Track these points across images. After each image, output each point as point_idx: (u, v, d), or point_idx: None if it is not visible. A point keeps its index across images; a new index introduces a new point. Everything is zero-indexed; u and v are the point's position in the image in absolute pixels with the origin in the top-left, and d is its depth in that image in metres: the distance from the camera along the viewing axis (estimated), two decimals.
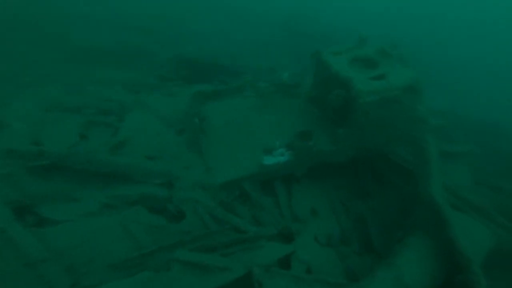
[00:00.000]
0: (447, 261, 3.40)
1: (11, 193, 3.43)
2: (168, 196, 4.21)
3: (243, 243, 3.85)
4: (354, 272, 4.22)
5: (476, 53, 15.06)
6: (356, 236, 5.09)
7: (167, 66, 7.52)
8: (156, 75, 7.00)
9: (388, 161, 5.51)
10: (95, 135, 4.59)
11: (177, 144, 5.02)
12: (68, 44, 7.66)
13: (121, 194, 3.87)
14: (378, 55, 5.13)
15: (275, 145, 5.01)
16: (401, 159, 5.25)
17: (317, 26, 13.35)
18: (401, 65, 4.84)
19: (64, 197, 3.61)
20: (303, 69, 7.13)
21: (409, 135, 4.63)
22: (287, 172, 5.20)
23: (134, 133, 4.88)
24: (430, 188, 3.98)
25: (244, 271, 3.19)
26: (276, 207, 5.12)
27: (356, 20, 16.09)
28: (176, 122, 5.44)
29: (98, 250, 3.24)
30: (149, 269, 3.11)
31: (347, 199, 5.64)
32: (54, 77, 6.03)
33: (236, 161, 4.90)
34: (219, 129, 5.41)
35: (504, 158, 6.44)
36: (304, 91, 6.41)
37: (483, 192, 4.34)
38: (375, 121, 4.79)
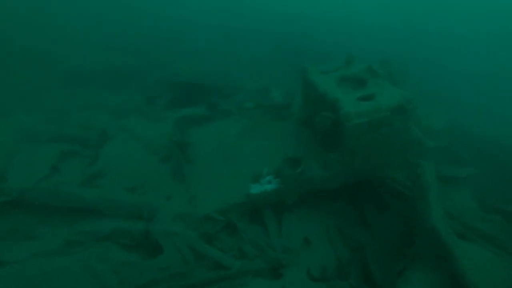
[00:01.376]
0: None
1: None
2: (144, 230, 3.91)
3: (225, 281, 3.56)
4: None
5: (482, 66, 14.85)
6: (354, 267, 4.69)
7: (156, 88, 7.40)
8: (143, 98, 6.87)
9: (386, 186, 5.18)
10: (69, 166, 4.37)
11: (160, 172, 4.79)
12: (54, 67, 7.60)
13: (89, 230, 3.59)
14: (366, 74, 4.93)
15: (263, 173, 4.73)
16: (399, 184, 4.91)
17: (312, 42, 13.30)
18: (390, 83, 4.60)
19: (21, 235, 3.32)
20: (295, 88, 6.95)
21: (404, 159, 4.32)
22: (277, 201, 4.89)
23: (114, 162, 4.66)
24: (430, 218, 3.64)
25: None
26: (265, 237, 4.81)
27: (353, 34, 16.15)
28: (161, 149, 5.23)
29: None
30: None
31: (345, 226, 5.27)
32: (35, 102, 5.89)
33: (222, 190, 4.64)
34: (205, 156, 5.18)
35: (509, 179, 6.05)
36: (295, 113, 6.21)
37: (492, 218, 3.96)
38: (367, 145, 4.51)
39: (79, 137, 5.05)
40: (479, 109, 10.28)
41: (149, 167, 4.74)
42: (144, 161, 4.84)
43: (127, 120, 5.87)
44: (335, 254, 4.77)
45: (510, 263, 3.21)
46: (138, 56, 9.23)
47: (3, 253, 3.09)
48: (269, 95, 7.40)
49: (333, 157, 4.73)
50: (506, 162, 6.93)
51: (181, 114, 5.84)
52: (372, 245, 4.81)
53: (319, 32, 15.62)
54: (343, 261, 4.70)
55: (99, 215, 3.74)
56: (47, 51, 8.14)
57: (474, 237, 3.57)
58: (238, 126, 5.75)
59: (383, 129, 4.41)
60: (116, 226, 3.75)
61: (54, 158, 4.35)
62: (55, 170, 4.22)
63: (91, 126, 5.37)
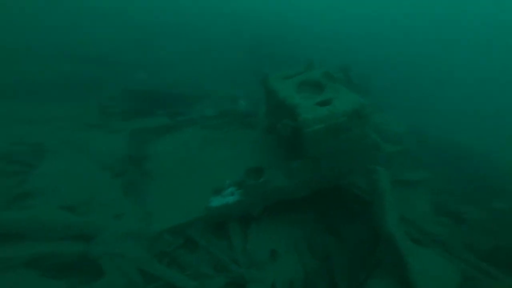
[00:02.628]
0: None
1: None
2: (81, 253, 3.50)
3: None
4: None
5: (445, 71, 15.72)
6: (321, 278, 4.58)
7: (113, 97, 6.94)
8: (97, 108, 6.40)
9: (351, 193, 5.19)
10: None
11: (111, 189, 4.39)
12: (4, 78, 6.92)
13: (5, 256, 3.12)
14: (324, 79, 4.96)
15: (225, 185, 4.53)
16: (362, 190, 4.93)
17: (288, 47, 13.36)
18: (351, 90, 4.65)
19: None
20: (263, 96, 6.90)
21: (363, 165, 4.33)
22: (241, 213, 4.69)
23: (52, 179, 4.20)
24: (386, 224, 3.63)
25: None
26: (230, 252, 4.57)
27: (325, 38, 16.56)
28: (114, 164, 4.84)
29: None
30: None
31: (313, 236, 5.18)
32: None
33: (181, 205, 4.36)
34: (164, 168, 4.88)
35: (465, 180, 6.35)
36: (261, 121, 6.12)
37: (445, 222, 4.05)
38: (328, 152, 4.48)
39: (10, 153, 4.51)
40: (438, 113, 10.90)
41: (97, 183, 4.34)
42: (92, 177, 4.42)
43: (77, 133, 5.40)
44: (303, 265, 4.65)
45: (457, 267, 3.26)
46: (97, 65, 8.72)
47: None
48: (237, 103, 7.27)
49: (296, 166, 4.65)
50: (462, 164, 7.33)
51: (139, 125, 5.49)
52: (340, 254, 4.75)
53: (295, 38, 15.82)
54: (310, 272, 4.58)
55: (20, 239, 3.28)
56: None
57: (427, 242, 3.60)
58: (201, 136, 5.53)
59: (341, 135, 4.41)
60: (40, 250, 3.29)
61: None
62: None
63: (27, 141, 4.83)
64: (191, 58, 11.00)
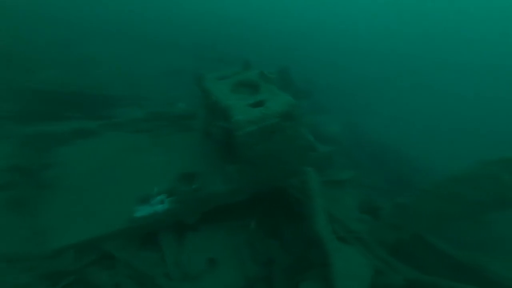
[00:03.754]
0: None
1: None
2: None
3: None
4: None
5: (382, 73, 16.93)
6: (262, 284, 4.51)
7: (8, 98, 5.87)
8: None
9: (291, 195, 5.23)
10: None
11: None
12: None
13: None
14: (259, 79, 4.94)
15: (153, 192, 4.18)
16: (300, 192, 5.00)
17: (238, 50, 13.24)
18: (280, 90, 4.68)
19: None
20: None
21: (297, 167, 4.39)
22: (174, 222, 4.39)
23: None
24: (315, 225, 3.70)
25: None
26: (161, 265, 4.23)
27: (273, 39, 16.76)
28: None
29: None
30: None
31: (257, 240, 5.09)
32: None
33: (94, 217, 3.87)
34: (74, 178, 4.30)
35: (390, 178, 6.92)
36: (200, 124, 5.87)
37: (366, 219, 4.30)
38: (263, 154, 4.44)
39: None
40: (378, 116, 11.77)
41: None
42: None
43: None
44: (243, 273, 4.52)
45: (370, 263, 3.44)
46: (10, 61, 7.47)
47: None
48: (175, 105, 6.91)
49: (232, 170, 4.52)
50: (389, 163, 8.00)
51: (40, 129, 4.74)
52: (282, 258, 4.76)
53: (241, 39, 15.73)
54: (251, 279, 4.48)
55: None
56: None
57: (351, 239, 3.76)
58: (128, 141, 5.06)
59: (275, 137, 4.42)
60: None
61: None
62: None
63: None
64: (129, 58, 10.24)
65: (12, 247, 3.21)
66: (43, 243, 3.33)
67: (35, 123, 4.79)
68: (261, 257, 4.84)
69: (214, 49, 12.66)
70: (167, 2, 17.95)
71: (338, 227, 4.25)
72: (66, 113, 5.42)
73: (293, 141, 4.60)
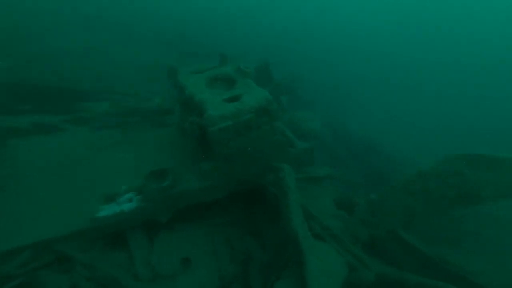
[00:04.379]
0: None
1: None
2: None
3: None
4: None
5: (367, 69, 17.05)
6: (238, 284, 4.41)
7: None
8: None
9: (270, 192, 5.14)
10: None
11: None
12: None
13: None
14: (235, 74, 4.80)
15: (120, 190, 3.96)
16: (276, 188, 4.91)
17: (209, 44, 12.90)
18: (257, 85, 4.56)
19: None
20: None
21: (273, 163, 4.29)
22: (144, 221, 4.19)
23: None
24: (291, 222, 3.62)
25: None
26: (129, 265, 4.03)
27: (257, 35, 16.49)
28: None
29: None
30: None
31: (235, 238, 4.97)
32: None
33: (51, 217, 3.62)
34: (32, 176, 4.01)
35: (369, 174, 6.96)
36: (176, 120, 5.66)
37: (342, 215, 4.29)
38: (239, 151, 4.32)
39: None
40: (357, 112, 11.85)
41: None
42: None
43: None
44: (219, 272, 4.40)
45: (344, 260, 3.43)
46: None
47: None
48: (151, 100, 6.61)
49: (207, 167, 4.37)
50: (370, 160, 8.07)
51: None
52: (261, 256, 4.66)
53: (222, 34, 15.39)
54: (227, 278, 4.37)
55: None
56: None
57: (326, 236, 3.73)
58: (95, 137, 4.78)
59: (251, 133, 4.30)
60: None
61: None
62: None
63: None
64: (104, 52, 9.75)
65: None
66: None
67: None
68: (239, 256, 4.75)
69: (196, 44, 12.31)
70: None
71: (314, 224, 4.21)
72: (25, 106, 5.01)
73: (270, 137, 4.50)
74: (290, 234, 3.68)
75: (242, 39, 15.22)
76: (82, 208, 3.66)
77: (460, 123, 13.13)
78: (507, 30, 23.98)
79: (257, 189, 4.97)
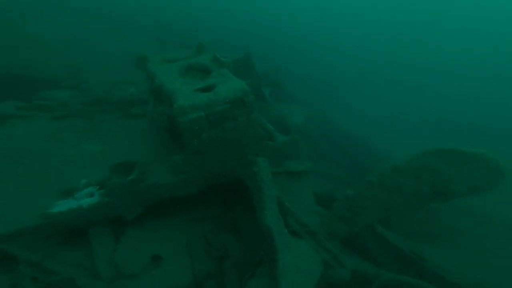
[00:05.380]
0: None
1: None
2: None
3: None
4: None
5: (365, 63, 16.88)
6: (211, 281, 4.21)
7: None
8: None
9: (247, 187, 4.92)
10: None
11: None
12: None
13: None
14: (212, 64, 4.54)
15: (80, 185, 3.64)
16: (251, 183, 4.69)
17: (191, 33, 12.40)
18: (234, 75, 4.31)
19: None
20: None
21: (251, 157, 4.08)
22: (107, 217, 3.88)
23: None
24: (265, 218, 3.44)
25: None
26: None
27: (243, 26, 16.05)
28: None
29: None
30: None
31: (212, 234, 4.75)
32: None
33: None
34: None
35: (354, 170, 6.84)
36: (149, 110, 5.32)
37: (321, 212, 4.15)
38: (213, 144, 4.07)
39: None
40: (343, 107, 11.72)
41: None
42: None
43: None
44: (192, 269, 4.17)
45: (320, 257, 3.30)
46: None
47: None
48: (125, 90, 6.23)
49: (178, 160, 4.10)
50: (359, 156, 7.98)
51: None
52: (238, 253, 4.47)
53: (214, 24, 14.89)
54: (200, 276, 4.15)
55: None
56: None
57: (303, 233, 3.58)
58: (57, 126, 4.41)
59: (226, 124, 4.06)
60: None
61: None
62: None
63: None
64: (77, 40, 9.16)
65: None
66: None
67: None
68: (215, 252, 4.54)
69: (176, 33, 11.82)
70: None
71: (291, 221, 4.04)
72: None
73: (247, 129, 4.27)
74: (265, 230, 3.50)
75: (229, 30, 14.81)
76: (34, 203, 3.31)
77: (452, 119, 13.09)
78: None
79: (236, 183, 4.76)
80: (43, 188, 3.52)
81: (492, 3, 28.84)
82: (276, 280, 2.96)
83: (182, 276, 4.09)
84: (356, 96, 13.15)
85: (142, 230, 4.36)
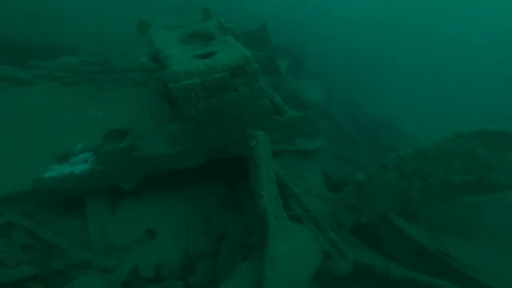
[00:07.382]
0: None
1: None
2: None
3: None
4: None
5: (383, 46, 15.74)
6: (203, 262, 4.04)
7: None
8: None
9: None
10: None
11: None
12: None
13: None
14: (216, 31, 4.14)
15: (75, 149, 3.57)
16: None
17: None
18: (237, 42, 3.88)
19: None
20: None
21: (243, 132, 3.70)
22: (103, 186, 3.81)
23: None
24: (261, 199, 3.10)
25: None
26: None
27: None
28: None
29: None
30: None
31: (214, 212, 4.56)
32: None
33: None
34: None
35: (375, 153, 6.19)
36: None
37: (329, 197, 3.67)
38: (211, 114, 3.75)
39: None
40: (369, 88, 10.86)
41: None
42: None
43: None
44: (186, 247, 4.01)
45: (320, 246, 2.88)
46: None
47: None
48: (137, 60, 6.11)
49: (175, 129, 3.85)
50: (382, 138, 7.28)
51: None
52: (237, 234, 4.23)
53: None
54: (192, 255, 3.98)
55: None
56: None
57: (306, 219, 3.17)
58: (60, 92, 4.38)
59: (227, 94, 3.69)
60: None
61: None
62: None
63: None
64: (104, 11, 9.16)
65: None
66: None
67: None
68: (214, 232, 4.35)
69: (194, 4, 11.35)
70: None
71: (294, 204, 3.65)
72: None
73: (250, 101, 3.87)
74: (260, 212, 3.16)
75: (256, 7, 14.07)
76: (30, 167, 3.31)
77: (481, 106, 11.80)
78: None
79: (239, 159, 4.45)
80: (41, 151, 3.50)
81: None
82: (263, 267, 2.64)
83: (174, 254, 3.96)
84: (387, 80, 12.21)
85: (137, 202, 4.27)
